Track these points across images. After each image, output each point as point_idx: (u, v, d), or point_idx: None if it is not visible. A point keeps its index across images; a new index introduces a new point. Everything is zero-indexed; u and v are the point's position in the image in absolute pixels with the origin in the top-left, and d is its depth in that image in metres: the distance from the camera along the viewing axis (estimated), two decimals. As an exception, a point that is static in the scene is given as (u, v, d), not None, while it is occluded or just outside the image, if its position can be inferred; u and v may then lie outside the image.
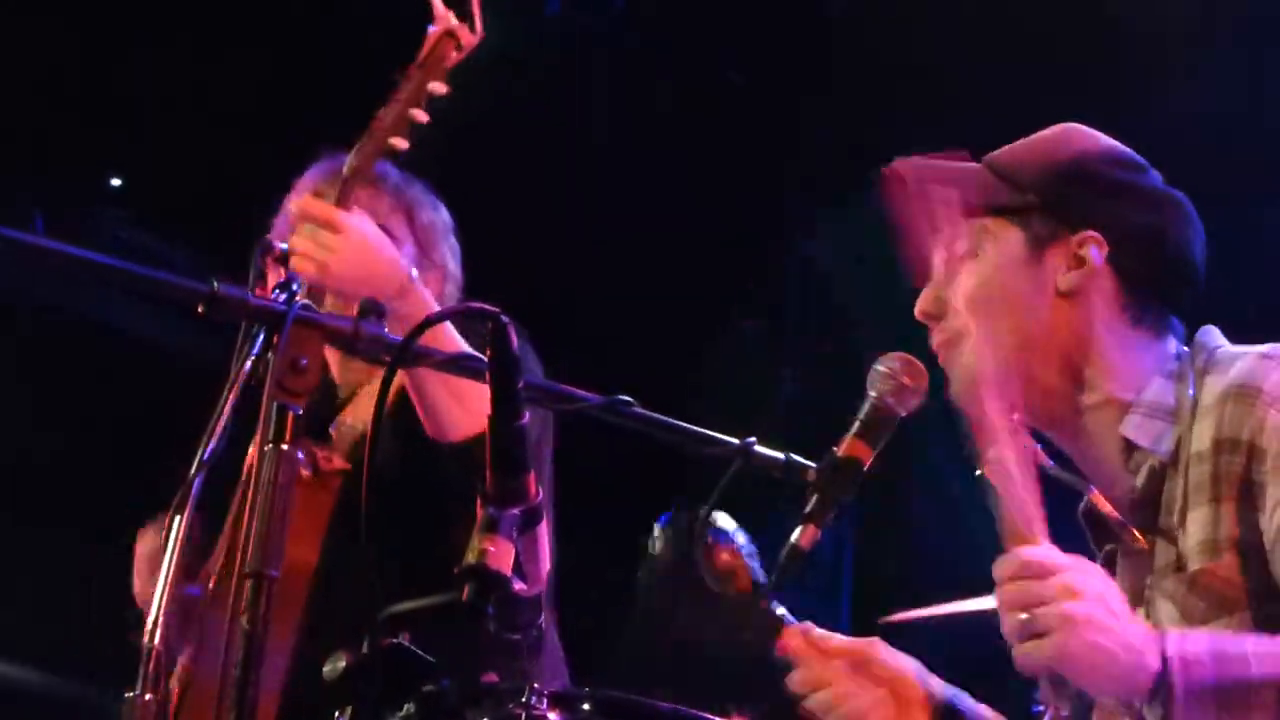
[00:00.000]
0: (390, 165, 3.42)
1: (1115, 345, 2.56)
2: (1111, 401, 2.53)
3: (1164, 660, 2.15)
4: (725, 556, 2.60)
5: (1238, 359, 2.51)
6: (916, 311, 2.62)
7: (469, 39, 3.10)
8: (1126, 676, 2.16)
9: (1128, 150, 2.65)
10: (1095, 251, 2.56)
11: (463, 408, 2.96)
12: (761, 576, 2.63)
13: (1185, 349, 2.58)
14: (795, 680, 2.68)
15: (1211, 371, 2.51)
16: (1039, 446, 2.55)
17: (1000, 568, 2.18)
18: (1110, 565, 2.63)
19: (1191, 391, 2.50)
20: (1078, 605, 2.12)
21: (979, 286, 2.57)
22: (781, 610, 2.68)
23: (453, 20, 3.13)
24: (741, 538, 2.63)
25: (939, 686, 2.76)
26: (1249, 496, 2.38)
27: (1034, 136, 2.67)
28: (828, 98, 6.10)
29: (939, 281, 2.61)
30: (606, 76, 6.18)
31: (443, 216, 3.50)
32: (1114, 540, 2.61)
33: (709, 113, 6.24)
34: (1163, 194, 2.62)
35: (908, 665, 2.75)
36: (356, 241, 3.01)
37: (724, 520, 2.62)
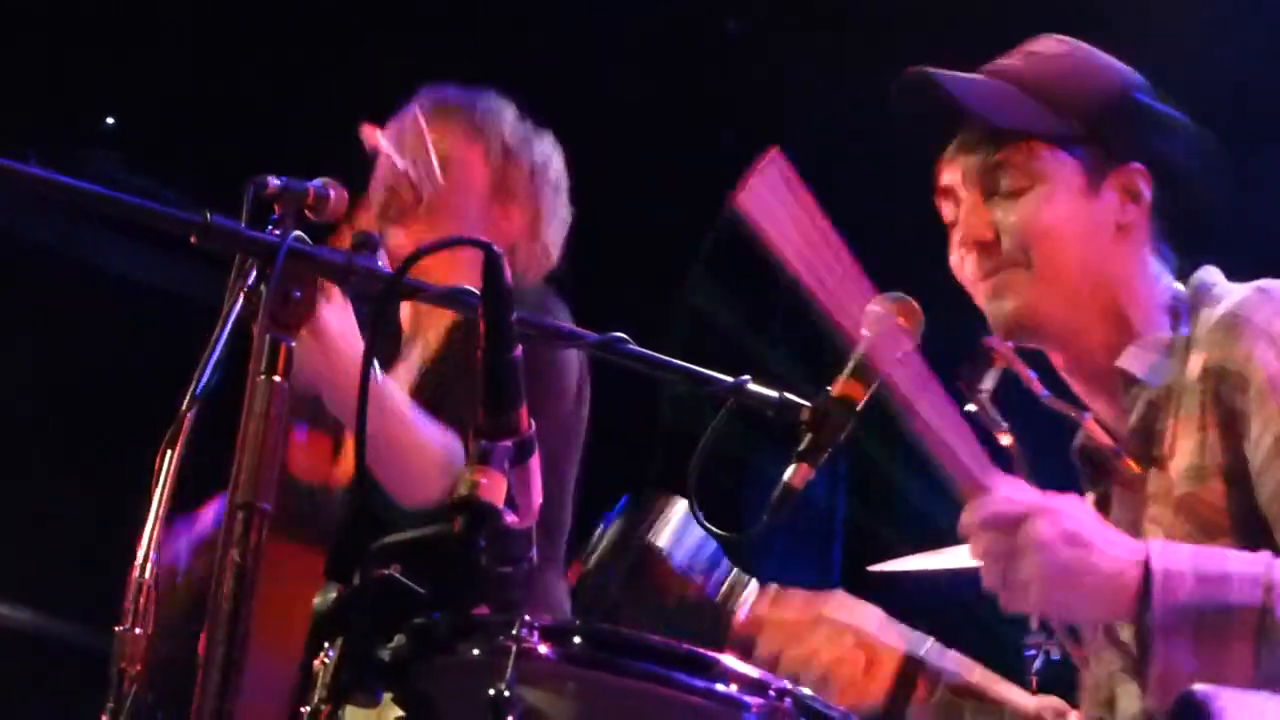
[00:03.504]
0: (482, 93, 3.45)
1: (1143, 279, 2.57)
2: (1124, 333, 2.54)
3: (1146, 571, 2.16)
4: (659, 576, 2.58)
5: (1231, 293, 2.52)
6: (965, 236, 2.56)
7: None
8: (1110, 600, 2.16)
9: None
10: (1144, 185, 2.56)
11: (407, 472, 2.93)
12: (712, 587, 2.60)
13: (1181, 286, 2.58)
14: (759, 655, 2.66)
15: (1205, 305, 2.52)
16: (1034, 375, 2.56)
17: (965, 525, 2.18)
18: (1103, 507, 2.64)
19: (1185, 327, 2.51)
20: (1049, 554, 2.12)
21: (1039, 219, 2.52)
22: (746, 591, 2.65)
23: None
24: (682, 550, 2.60)
25: (900, 635, 2.75)
26: (1233, 424, 2.40)
27: (1062, 58, 2.62)
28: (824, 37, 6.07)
29: (977, 206, 2.55)
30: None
31: (537, 153, 3.48)
32: (1107, 476, 2.62)
33: (699, 55, 6.22)
34: (1201, 134, 2.62)
35: (867, 616, 2.74)
36: (321, 340, 2.89)
37: (666, 534, 2.57)
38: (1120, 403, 2.56)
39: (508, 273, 2.08)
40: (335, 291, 2.92)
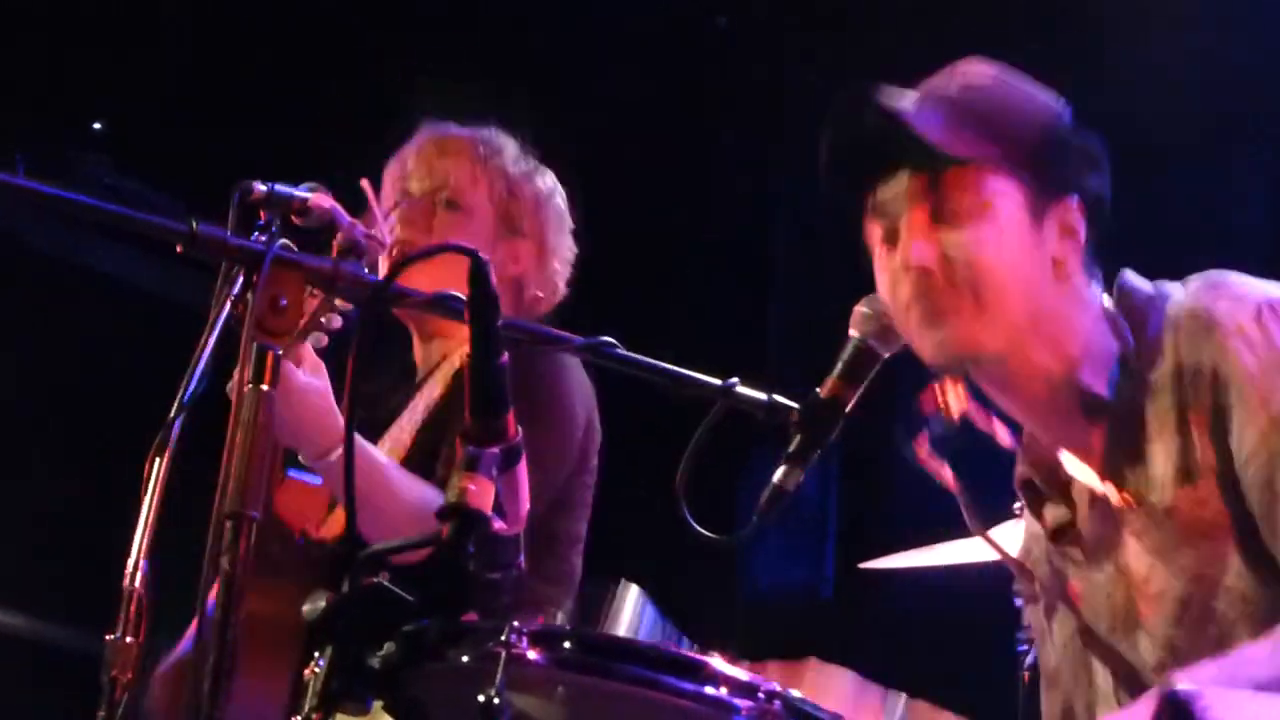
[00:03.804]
0: (485, 129, 3.46)
1: (1082, 308, 2.52)
2: (1064, 355, 2.49)
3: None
4: None
5: (1174, 292, 2.50)
6: (913, 260, 2.45)
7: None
8: None
9: None
10: (1078, 219, 2.51)
11: (389, 526, 2.90)
12: None
13: (1107, 298, 2.54)
14: None
15: (1150, 311, 2.49)
16: (998, 425, 2.54)
17: None
18: (1059, 533, 2.61)
19: (1130, 338, 2.49)
20: None
21: (993, 252, 2.45)
22: None
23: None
24: (642, 635, 2.52)
25: (876, 700, 2.75)
26: (1219, 422, 2.39)
27: (996, 86, 2.55)
28: (814, 36, 6.08)
29: (924, 227, 2.46)
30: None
31: (540, 186, 3.49)
32: (1066, 502, 2.60)
33: (696, 53, 6.22)
34: (1100, 149, 2.57)
35: (842, 683, 2.73)
36: (302, 401, 2.91)
37: (624, 622, 2.50)
38: (1074, 421, 2.51)
39: (493, 279, 2.08)
40: (307, 350, 2.93)
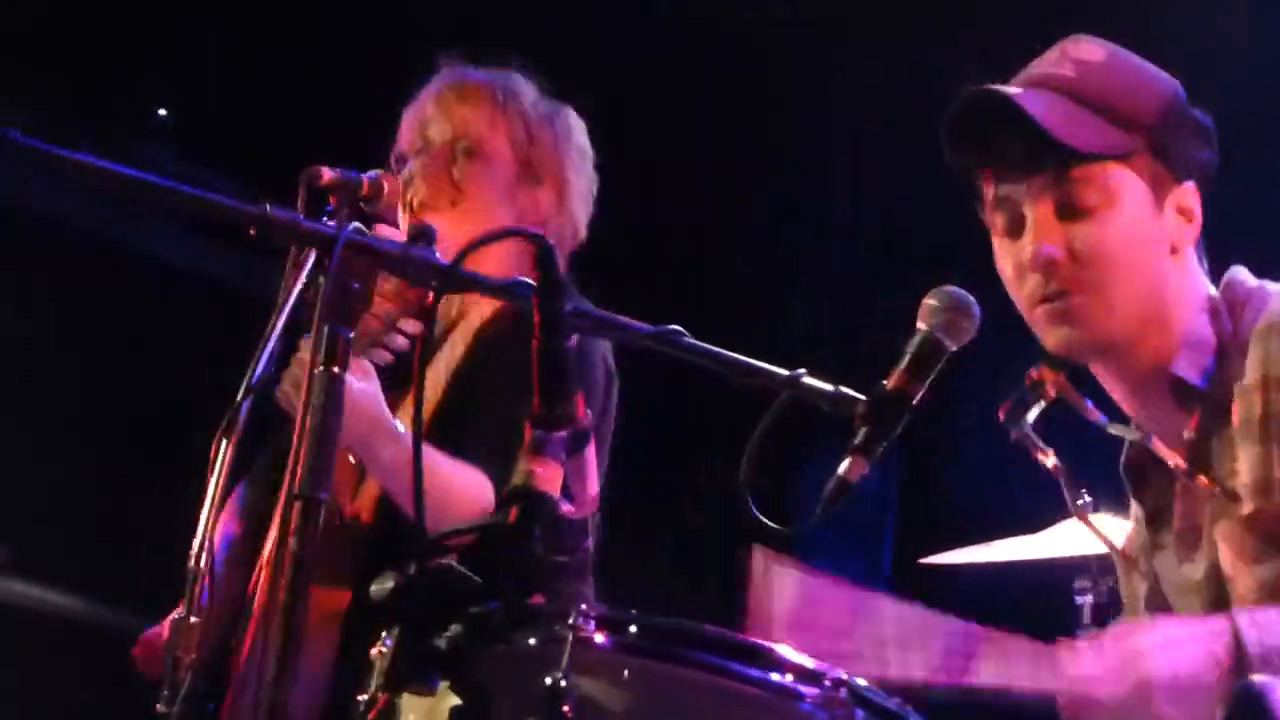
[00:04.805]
0: (503, 73, 3.44)
1: (1194, 293, 2.55)
2: (1168, 339, 2.53)
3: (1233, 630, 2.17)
4: None
5: (1272, 295, 2.51)
6: (1042, 256, 2.49)
7: None
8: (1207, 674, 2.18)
9: None
10: (1196, 203, 2.55)
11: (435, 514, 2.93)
12: None
13: (1214, 288, 2.56)
14: None
15: (1248, 306, 2.50)
16: (1090, 404, 2.55)
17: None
18: (1160, 519, 2.63)
19: (1229, 328, 2.49)
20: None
21: (1118, 241, 2.49)
22: None
23: None
24: None
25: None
26: None
27: (1112, 67, 2.58)
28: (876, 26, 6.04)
29: (1051, 221, 2.50)
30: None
31: (558, 129, 3.47)
32: (1163, 489, 2.61)
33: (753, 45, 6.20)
34: (1214, 130, 2.61)
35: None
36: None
37: None
38: (1170, 408, 2.54)
39: (561, 264, 2.09)
40: (359, 361, 2.95)
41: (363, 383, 2.96)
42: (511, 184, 3.38)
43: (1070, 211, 2.50)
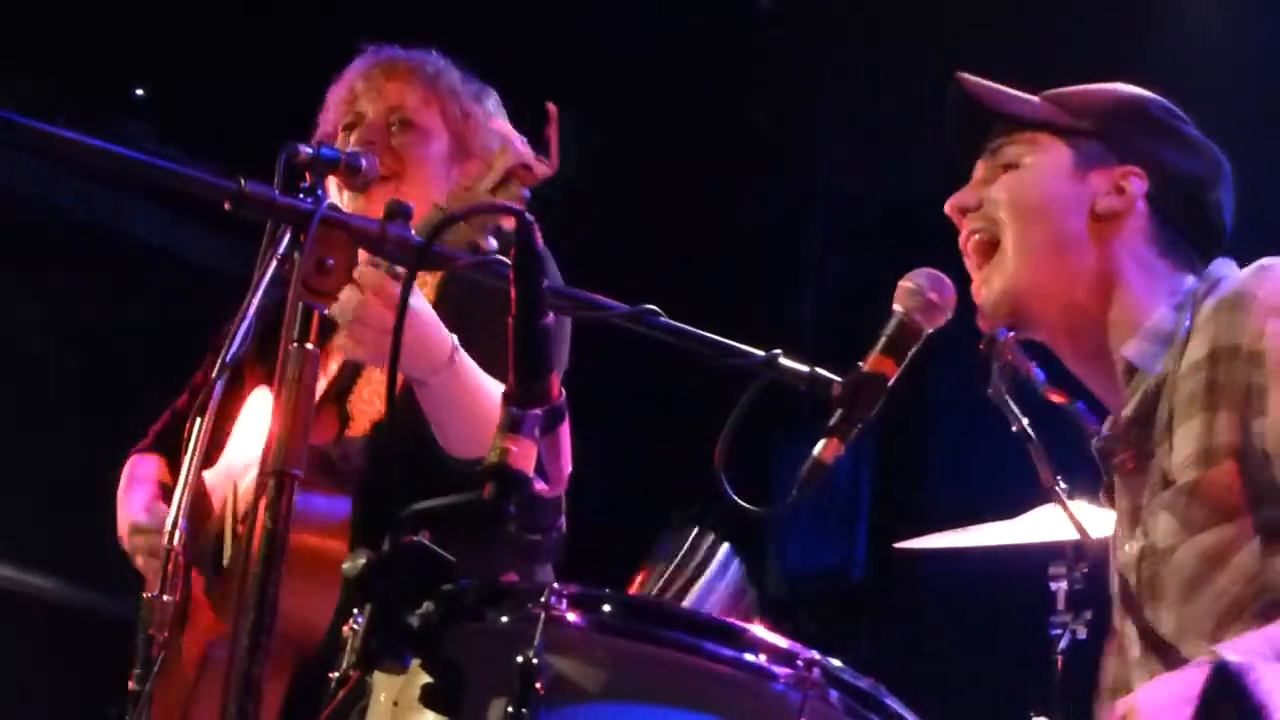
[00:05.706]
0: (428, 53, 3.43)
1: (1139, 272, 2.64)
2: (1125, 324, 2.61)
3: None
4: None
5: (1231, 277, 2.59)
6: (951, 204, 2.71)
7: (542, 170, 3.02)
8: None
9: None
10: (1137, 184, 2.66)
11: (475, 435, 2.86)
12: None
13: (1197, 281, 2.61)
14: None
15: (1210, 295, 2.56)
16: (1033, 365, 2.61)
17: None
18: (1111, 495, 2.69)
19: (1189, 318, 2.54)
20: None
21: (1020, 188, 2.67)
22: None
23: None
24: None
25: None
26: (1250, 401, 2.44)
27: (1097, 85, 2.76)
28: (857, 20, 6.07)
29: (977, 182, 2.72)
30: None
31: (484, 104, 3.46)
32: (1109, 465, 2.66)
33: (739, 37, 6.21)
34: (1206, 149, 2.72)
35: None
36: (413, 322, 2.87)
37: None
38: (1115, 388, 2.63)
39: (538, 239, 2.08)
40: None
41: (421, 300, 2.93)
42: (445, 158, 3.36)
43: (996, 172, 2.70)
